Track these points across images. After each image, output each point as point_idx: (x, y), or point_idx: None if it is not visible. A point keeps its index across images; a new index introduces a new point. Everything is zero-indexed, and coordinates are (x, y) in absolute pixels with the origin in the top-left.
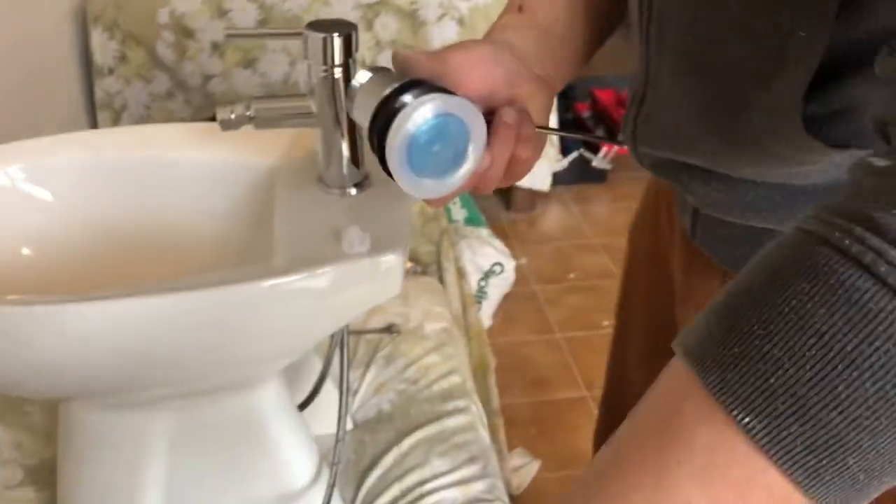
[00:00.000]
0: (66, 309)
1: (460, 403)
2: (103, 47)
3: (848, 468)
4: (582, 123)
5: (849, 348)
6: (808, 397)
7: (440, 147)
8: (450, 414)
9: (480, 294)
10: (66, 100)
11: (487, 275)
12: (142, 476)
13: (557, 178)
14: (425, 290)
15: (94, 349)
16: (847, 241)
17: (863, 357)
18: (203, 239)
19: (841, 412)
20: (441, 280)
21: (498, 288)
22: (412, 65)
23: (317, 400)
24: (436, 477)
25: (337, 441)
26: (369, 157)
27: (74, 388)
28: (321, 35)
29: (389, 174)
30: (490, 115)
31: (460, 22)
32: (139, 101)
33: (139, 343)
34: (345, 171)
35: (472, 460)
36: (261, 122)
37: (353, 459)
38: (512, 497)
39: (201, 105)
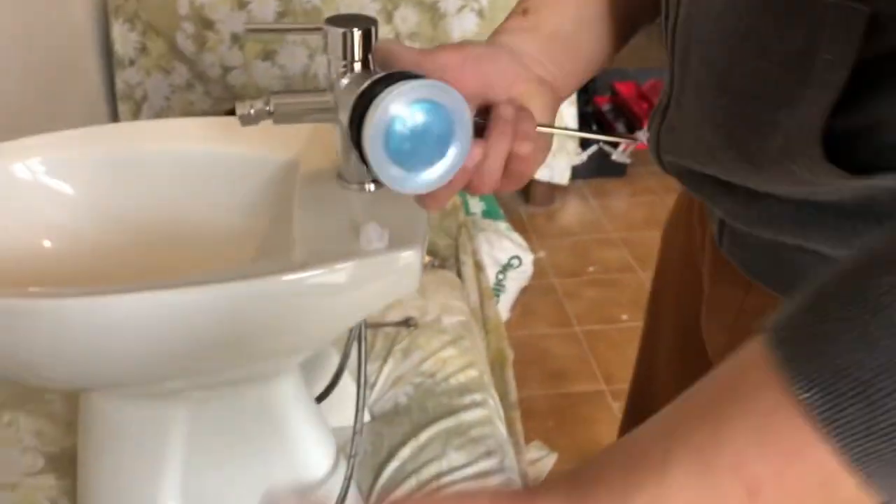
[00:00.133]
0: (95, 301)
1: (477, 397)
2: (124, 38)
3: None
4: (602, 117)
5: None
6: (873, 383)
7: (421, 133)
8: (467, 407)
9: (498, 287)
10: (87, 91)
11: (505, 268)
12: (160, 466)
13: (576, 172)
14: (443, 283)
15: (116, 341)
16: None
17: None
18: (222, 233)
19: None
20: (459, 273)
21: (515, 281)
22: (394, 57)
23: (334, 392)
24: (453, 470)
25: (354, 433)
26: None
27: (95, 379)
28: (341, 30)
29: (376, 174)
30: (488, 113)
31: (480, 14)
32: (159, 92)
33: (159, 335)
34: (363, 166)
35: (489, 454)
36: (280, 117)
37: (370, 452)
38: None
39: (221, 96)
